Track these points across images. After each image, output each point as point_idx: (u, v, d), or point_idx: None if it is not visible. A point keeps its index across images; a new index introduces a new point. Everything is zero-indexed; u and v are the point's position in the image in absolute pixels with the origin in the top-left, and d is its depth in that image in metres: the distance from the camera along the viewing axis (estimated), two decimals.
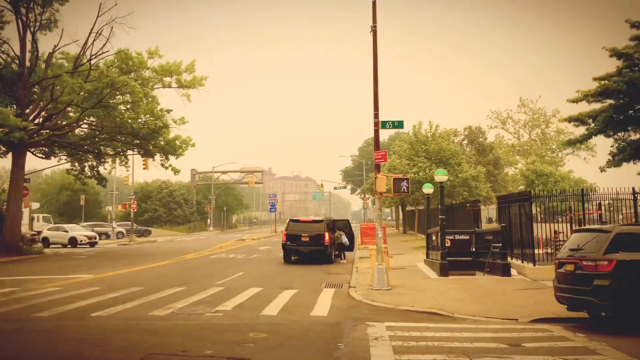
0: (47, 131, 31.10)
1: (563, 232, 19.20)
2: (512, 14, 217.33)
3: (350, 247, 27.78)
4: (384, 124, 17.22)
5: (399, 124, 17.61)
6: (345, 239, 26.65)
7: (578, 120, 24.75)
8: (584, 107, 24.71)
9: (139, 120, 32.45)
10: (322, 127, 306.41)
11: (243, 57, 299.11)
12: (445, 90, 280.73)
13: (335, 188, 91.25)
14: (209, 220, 76.65)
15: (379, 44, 17.46)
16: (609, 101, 23.53)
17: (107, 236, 50.70)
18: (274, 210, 68.76)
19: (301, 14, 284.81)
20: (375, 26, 17.22)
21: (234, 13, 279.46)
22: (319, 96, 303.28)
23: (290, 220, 26.39)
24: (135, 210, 51.56)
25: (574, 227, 17.30)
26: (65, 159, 36.00)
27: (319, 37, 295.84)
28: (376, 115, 17.07)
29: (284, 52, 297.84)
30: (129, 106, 32.77)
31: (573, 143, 27.89)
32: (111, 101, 31.56)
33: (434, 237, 21.54)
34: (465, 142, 59.62)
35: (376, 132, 17.28)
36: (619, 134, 24.72)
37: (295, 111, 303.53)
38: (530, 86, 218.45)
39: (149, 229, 61.75)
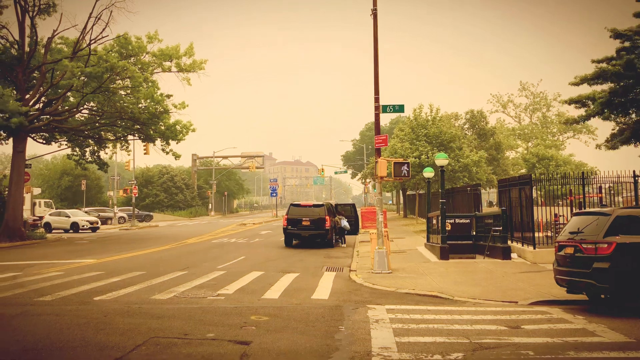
0: (47, 116, 31.08)
1: (563, 216, 19.25)
2: (520, 9, 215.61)
3: (355, 231, 28.32)
4: (385, 108, 17.18)
5: (400, 108, 17.58)
6: (345, 223, 26.89)
7: (578, 102, 24.65)
8: (586, 90, 24.63)
9: (139, 105, 32.45)
10: (323, 112, 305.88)
11: (245, 43, 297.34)
12: (448, 85, 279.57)
13: (336, 173, 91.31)
14: (210, 205, 76.80)
15: (381, 33, 17.39)
16: (608, 84, 23.41)
17: (111, 221, 50.96)
18: (274, 194, 68.82)
19: (306, 3, 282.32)
20: (375, 9, 17.11)
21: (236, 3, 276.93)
22: (320, 83, 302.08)
23: (291, 204, 26.47)
24: (137, 195, 51.63)
25: (574, 211, 17.33)
26: (66, 145, 36.03)
27: (323, 25, 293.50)
28: (377, 99, 17.02)
29: (287, 40, 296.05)
30: (129, 91, 32.74)
31: (571, 123, 27.75)
32: (111, 86, 31.48)
33: (434, 221, 21.59)
34: (466, 126, 59.42)
35: (377, 116, 17.24)
36: (620, 117, 24.62)
37: (296, 97, 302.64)
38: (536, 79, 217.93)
39: (151, 214, 61.89)
